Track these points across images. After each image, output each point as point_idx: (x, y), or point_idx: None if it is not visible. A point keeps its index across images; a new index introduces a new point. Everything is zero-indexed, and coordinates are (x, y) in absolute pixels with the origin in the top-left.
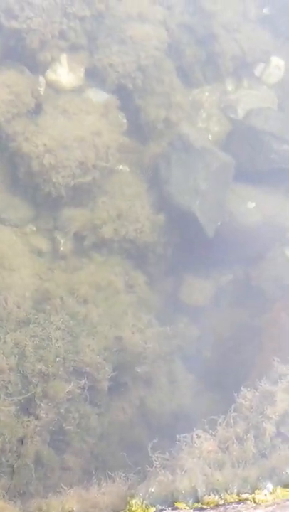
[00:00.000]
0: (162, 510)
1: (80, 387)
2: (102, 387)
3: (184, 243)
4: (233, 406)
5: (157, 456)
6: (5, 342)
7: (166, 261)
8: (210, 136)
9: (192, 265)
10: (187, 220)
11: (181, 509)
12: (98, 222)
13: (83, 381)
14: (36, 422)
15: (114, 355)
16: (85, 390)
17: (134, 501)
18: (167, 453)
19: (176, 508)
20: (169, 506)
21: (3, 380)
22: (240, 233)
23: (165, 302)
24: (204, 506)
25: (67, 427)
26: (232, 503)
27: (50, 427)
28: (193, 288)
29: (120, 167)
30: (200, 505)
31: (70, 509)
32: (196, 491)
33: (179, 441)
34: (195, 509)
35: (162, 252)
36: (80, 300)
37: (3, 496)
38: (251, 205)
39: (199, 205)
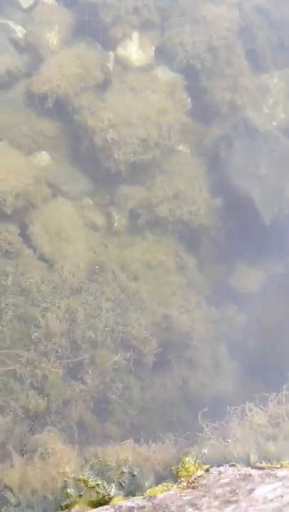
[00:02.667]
0: (220, 465)
1: (126, 359)
2: (148, 361)
3: (239, 229)
4: (285, 385)
5: (207, 424)
6: (59, 307)
7: (218, 246)
8: (274, 123)
9: (244, 252)
10: (244, 206)
11: (239, 467)
12: (154, 201)
13: (129, 353)
14: (82, 387)
15: (160, 332)
16: (131, 363)
17: (187, 459)
18: (217, 422)
19: (234, 465)
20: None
21: (54, 343)
22: None
23: (214, 287)
24: (262, 467)
25: (111, 396)
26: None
27: (95, 394)
28: (243, 275)
29: (181, 147)
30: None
31: (125, 459)
32: (249, 457)
33: (229, 413)
34: (253, 467)
35: (215, 237)
36: (131, 276)
37: (64, 441)
38: None
39: (259, 191)
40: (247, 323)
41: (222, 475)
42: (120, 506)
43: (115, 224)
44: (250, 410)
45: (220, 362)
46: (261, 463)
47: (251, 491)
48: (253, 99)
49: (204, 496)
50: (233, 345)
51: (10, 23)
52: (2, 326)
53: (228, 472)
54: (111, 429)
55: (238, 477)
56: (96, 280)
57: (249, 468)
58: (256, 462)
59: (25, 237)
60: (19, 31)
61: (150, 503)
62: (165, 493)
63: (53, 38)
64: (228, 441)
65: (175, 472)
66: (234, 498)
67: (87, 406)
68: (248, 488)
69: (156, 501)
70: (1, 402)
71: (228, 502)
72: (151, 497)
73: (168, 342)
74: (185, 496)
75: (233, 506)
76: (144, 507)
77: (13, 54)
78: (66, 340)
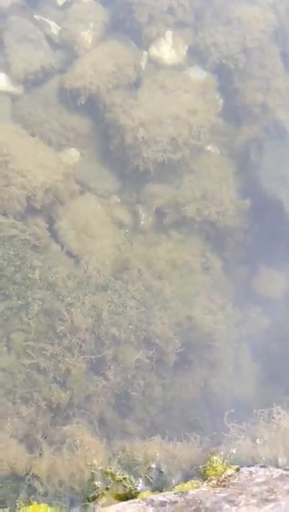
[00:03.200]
0: (250, 466)
1: (148, 357)
2: (169, 360)
3: (265, 232)
4: None
5: (233, 425)
6: (83, 303)
7: (244, 248)
8: None
9: (270, 255)
10: (272, 208)
11: (270, 468)
12: (181, 201)
13: (152, 351)
14: (104, 383)
15: (183, 332)
16: (153, 361)
17: (215, 458)
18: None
19: (265, 467)
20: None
21: (78, 338)
22: None
23: (238, 289)
24: None
25: (132, 393)
26: None
27: (116, 391)
28: (268, 279)
29: (210, 148)
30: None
31: (153, 454)
32: (277, 460)
33: (255, 415)
34: (285, 469)
35: (242, 238)
36: (156, 275)
37: (93, 433)
38: None
39: (288, 194)
40: (270, 327)
41: (253, 475)
42: (152, 500)
43: (141, 222)
44: (278, 413)
45: (242, 364)
46: None
47: None
48: (285, 101)
49: (241, 494)
50: (255, 348)
51: (46, 19)
52: (28, 319)
53: (260, 473)
54: (131, 426)
55: (274, 477)
56: (121, 278)
57: (280, 469)
58: (285, 465)
59: (52, 232)
60: (54, 28)
61: (182, 499)
62: (197, 489)
63: (87, 35)
64: (256, 443)
65: (202, 471)
66: (272, 497)
67: (108, 402)
68: (285, 488)
69: (188, 497)
70: (24, 393)
71: (267, 500)
72: (183, 493)
73: (190, 342)
74: (219, 493)
75: (272, 505)
76: (176, 502)
77: (48, 50)
78: (90, 335)
